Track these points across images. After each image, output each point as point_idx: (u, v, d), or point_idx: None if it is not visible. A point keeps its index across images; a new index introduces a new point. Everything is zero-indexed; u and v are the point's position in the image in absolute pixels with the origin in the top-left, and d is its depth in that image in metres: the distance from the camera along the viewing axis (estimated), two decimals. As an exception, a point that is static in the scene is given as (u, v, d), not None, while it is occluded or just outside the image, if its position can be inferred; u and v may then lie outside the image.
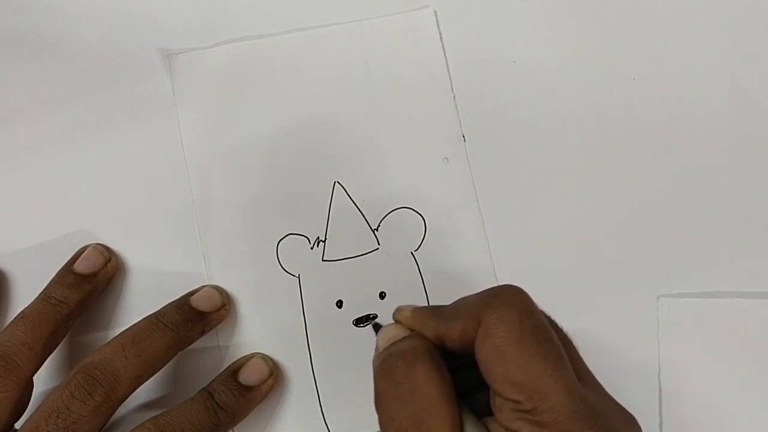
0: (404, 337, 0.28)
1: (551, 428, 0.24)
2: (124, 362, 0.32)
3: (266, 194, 0.38)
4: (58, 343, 0.35)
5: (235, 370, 0.35)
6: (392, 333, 0.28)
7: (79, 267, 0.36)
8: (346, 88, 0.39)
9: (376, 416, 0.36)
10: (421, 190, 0.38)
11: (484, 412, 0.26)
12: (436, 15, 0.39)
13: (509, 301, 0.26)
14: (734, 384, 0.36)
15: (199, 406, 0.33)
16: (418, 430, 0.25)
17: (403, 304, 0.29)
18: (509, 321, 0.25)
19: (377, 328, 0.29)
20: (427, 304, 0.37)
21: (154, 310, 0.35)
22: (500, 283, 0.37)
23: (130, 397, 0.33)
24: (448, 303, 0.28)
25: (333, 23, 0.39)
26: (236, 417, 0.34)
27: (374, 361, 0.28)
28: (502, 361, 0.25)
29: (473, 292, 0.28)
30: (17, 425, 0.32)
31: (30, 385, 0.33)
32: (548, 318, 0.28)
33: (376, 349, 0.28)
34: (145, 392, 0.36)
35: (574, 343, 0.28)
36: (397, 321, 0.29)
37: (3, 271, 0.38)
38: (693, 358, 0.36)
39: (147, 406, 0.37)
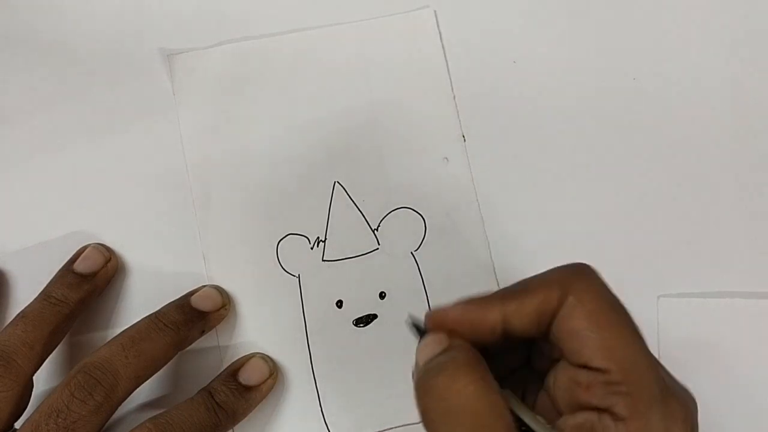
0: (444, 350, 0.26)
1: (646, 402, 0.24)
2: (124, 362, 0.32)
3: (266, 194, 0.38)
4: (58, 343, 0.35)
5: (235, 370, 0.35)
6: (430, 345, 0.26)
7: (79, 267, 0.36)
8: (346, 88, 0.39)
9: (375, 416, 0.37)
10: (421, 190, 0.38)
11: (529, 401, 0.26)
12: (436, 15, 0.39)
13: (593, 274, 0.26)
14: (734, 383, 0.36)
15: (199, 406, 0.33)
16: None
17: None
18: (598, 290, 0.25)
19: (419, 330, 0.27)
20: (427, 305, 0.37)
21: (154, 310, 0.35)
22: (500, 283, 0.37)
23: (130, 397, 0.33)
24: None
25: (333, 23, 0.39)
26: (236, 417, 0.34)
27: (414, 376, 0.26)
28: (596, 327, 0.25)
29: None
30: (17, 425, 0.32)
31: (30, 385, 0.33)
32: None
33: (415, 364, 0.27)
34: (145, 392, 0.36)
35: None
36: (435, 325, 0.27)
37: (3, 271, 0.38)
38: (693, 358, 0.36)
39: (147, 406, 0.37)
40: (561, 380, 0.26)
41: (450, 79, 0.39)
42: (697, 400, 0.27)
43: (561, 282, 0.26)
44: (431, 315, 0.27)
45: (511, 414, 0.25)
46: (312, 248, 0.38)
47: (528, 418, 0.25)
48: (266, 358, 0.36)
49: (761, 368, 0.36)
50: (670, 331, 0.36)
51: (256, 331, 0.37)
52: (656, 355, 0.36)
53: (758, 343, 0.36)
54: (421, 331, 0.27)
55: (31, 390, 0.34)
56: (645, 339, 0.26)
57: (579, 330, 0.25)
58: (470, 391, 0.24)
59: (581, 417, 0.25)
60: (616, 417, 0.24)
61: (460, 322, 0.26)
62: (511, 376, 0.29)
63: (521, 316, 0.26)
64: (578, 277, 0.26)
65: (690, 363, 0.36)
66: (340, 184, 0.38)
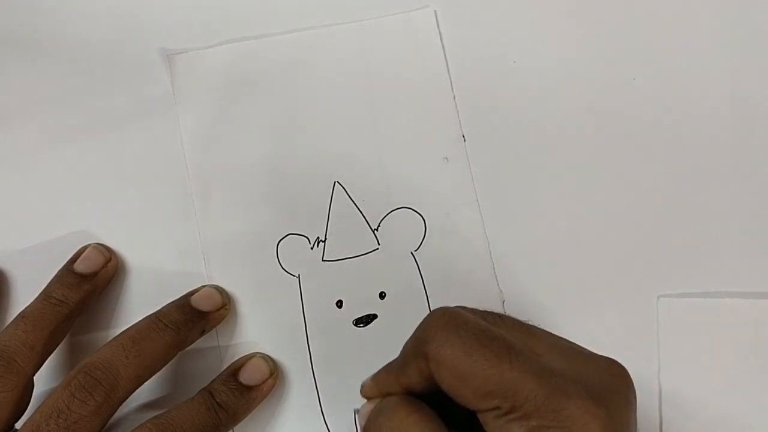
0: (378, 402, 0.28)
1: (536, 415, 0.24)
2: (125, 362, 0.32)
3: (266, 194, 0.38)
4: (59, 343, 0.35)
5: (235, 370, 0.35)
6: (368, 407, 0.29)
7: (79, 267, 0.36)
8: (346, 88, 0.39)
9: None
10: (421, 190, 0.38)
11: None
12: (436, 15, 0.39)
13: (441, 324, 0.26)
14: (734, 384, 0.36)
15: (200, 406, 0.33)
16: None
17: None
18: (450, 342, 0.26)
19: (357, 412, 0.30)
20: (427, 305, 0.37)
21: (154, 310, 0.35)
22: (500, 283, 0.37)
23: (130, 397, 0.33)
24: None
25: (333, 23, 0.39)
26: (237, 417, 0.34)
27: None
28: (462, 380, 0.25)
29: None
30: (18, 425, 0.32)
31: (30, 385, 0.33)
32: (485, 312, 0.28)
33: (360, 429, 0.29)
34: (145, 392, 0.36)
35: (525, 322, 0.28)
36: (366, 397, 0.30)
37: (3, 271, 0.38)
38: (693, 358, 0.36)
39: (147, 406, 0.37)
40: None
41: (450, 79, 0.39)
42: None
43: (419, 349, 0.26)
44: (361, 390, 0.30)
45: None
46: (312, 248, 0.38)
47: None
48: (266, 358, 0.36)
49: (761, 368, 0.36)
50: (670, 331, 0.36)
51: (256, 331, 0.37)
52: (656, 355, 0.36)
53: (758, 343, 0.36)
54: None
55: (32, 390, 0.34)
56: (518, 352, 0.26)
57: (450, 389, 0.26)
58: (410, 420, 0.26)
59: None
60: None
61: (381, 390, 0.29)
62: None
63: (414, 385, 0.27)
64: (428, 339, 0.26)
65: (690, 363, 0.36)
66: (340, 184, 0.38)
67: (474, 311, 0.28)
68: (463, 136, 0.39)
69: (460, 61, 0.39)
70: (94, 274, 0.36)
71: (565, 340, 0.28)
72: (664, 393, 0.36)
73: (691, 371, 0.36)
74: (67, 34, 0.40)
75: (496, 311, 0.29)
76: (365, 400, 0.30)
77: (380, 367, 0.30)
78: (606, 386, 0.25)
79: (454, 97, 0.39)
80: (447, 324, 0.26)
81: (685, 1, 0.39)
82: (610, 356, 0.27)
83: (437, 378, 0.26)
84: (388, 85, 0.39)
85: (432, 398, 0.27)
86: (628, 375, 0.26)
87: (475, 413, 0.26)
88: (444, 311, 0.27)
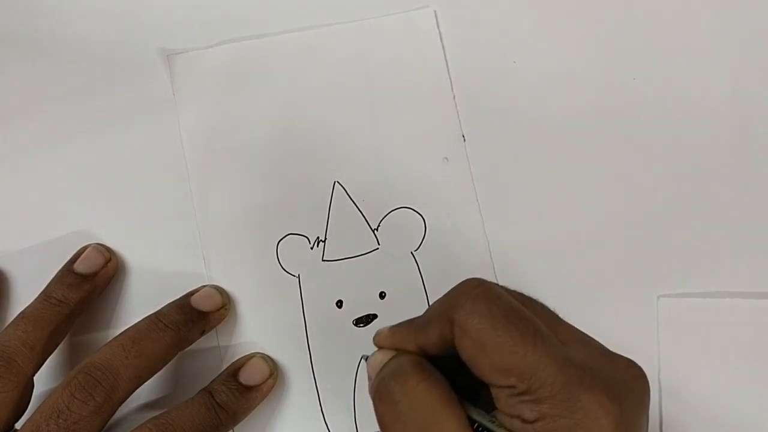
0: (391, 358, 0.28)
1: (550, 402, 0.24)
2: (125, 362, 0.32)
3: (266, 194, 0.38)
4: (59, 343, 0.35)
5: (235, 370, 0.35)
6: (378, 358, 0.28)
7: (79, 267, 0.36)
8: (346, 88, 0.39)
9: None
10: (421, 190, 0.38)
11: (492, 406, 0.26)
12: (436, 15, 0.39)
13: (474, 293, 0.26)
14: (734, 384, 0.36)
15: (200, 406, 0.33)
16: None
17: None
18: (478, 312, 0.25)
19: (366, 359, 0.29)
20: (427, 305, 0.37)
21: (154, 310, 0.35)
22: (500, 283, 0.37)
23: (130, 398, 0.33)
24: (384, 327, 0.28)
25: (333, 23, 0.39)
26: (237, 417, 0.34)
27: (370, 390, 0.28)
28: (484, 352, 0.25)
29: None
30: (18, 425, 0.32)
31: (30, 385, 0.33)
32: (518, 294, 0.28)
33: (369, 378, 0.28)
34: (145, 392, 0.36)
35: (553, 311, 0.28)
36: (378, 346, 0.29)
37: (3, 271, 0.38)
38: (693, 358, 0.36)
39: (147, 406, 0.37)
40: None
41: (450, 79, 0.39)
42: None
43: (446, 313, 0.26)
44: (375, 338, 0.29)
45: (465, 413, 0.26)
46: (312, 248, 0.38)
47: (476, 414, 0.26)
48: (266, 358, 0.36)
49: (761, 368, 0.36)
50: (670, 331, 0.36)
51: (256, 331, 0.37)
52: (656, 355, 0.36)
53: (758, 343, 0.36)
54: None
55: (32, 390, 0.33)
56: (550, 335, 0.26)
57: (470, 358, 0.26)
58: (421, 388, 0.26)
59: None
60: (524, 420, 0.24)
61: (396, 343, 0.28)
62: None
63: (430, 346, 0.27)
64: (458, 305, 0.26)
65: (690, 363, 0.36)
66: (340, 184, 0.38)
67: (507, 290, 0.27)
68: (463, 136, 0.39)
69: (460, 61, 0.39)
70: (94, 274, 0.36)
71: (590, 336, 0.28)
72: (664, 393, 0.36)
73: (691, 371, 0.36)
74: (67, 34, 0.40)
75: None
76: (368, 402, 0.30)
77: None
78: (623, 385, 0.25)
79: (454, 97, 0.39)
80: (479, 294, 0.26)
81: (685, 1, 0.39)
82: None
83: (458, 345, 0.26)
84: (388, 85, 0.39)
85: (443, 363, 0.27)
86: (646, 378, 0.26)
87: (488, 387, 0.26)
88: (479, 281, 0.27)
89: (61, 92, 0.39)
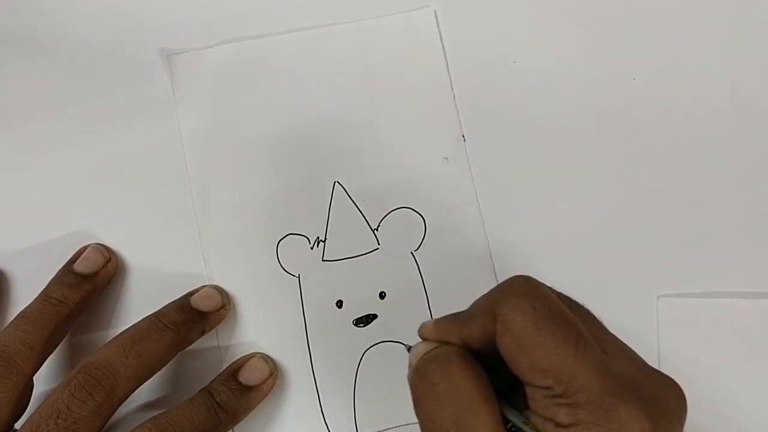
0: (435, 347, 0.28)
1: (586, 408, 0.24)
2: (125, 362, 0.32)
3: (266, 194, 0.38)
4: (59, 343, 0.35)
5: (235, 370, 0.35)
6: (422, 348, 0.28)
7: (79, 267, 0.36)
8: (346, 88, 0.39)
9: (375, 416, 0.37)
10: (421, 190, 0.38)
11: (526, 406, 0.26)
12: (436, 15, 0.39)
13: (519, 290, 0.26)
14: (734, 383, 0.36)
15: (200, 406, 0.33)
16: (459, 429, 0.25)
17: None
18: (522, 310, 0.25)
19: (409, 348, 0.29)
20: (427, 305, 0.37)
21: (154, 310, 0.35)
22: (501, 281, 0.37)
23: (130, 398, 0.33)
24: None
25: (333, 23, 0.39)
26: (237, 417, 0.34)
27: (408, 375, 0.28)
28: (524, 350, 0.25)
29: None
30: (17, 425, 0.32)
31: (30, 385, 0.33)
32: (565, 297, 0.27)
33: (409, 365, 0.28)
34: (145, 392, 0.36)
35: (598, 319, 0.28)
36: (423, 337, 0.29)
37: (3, 271, 0.38)
38: (693, 358, 0.36)
39: (147, 406, 0.37)
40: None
41: (450, 79, 0.39)
42: (697, 400, 0.26)
43: (490, 308, 0.26)
44: (420, 330, 0.29)
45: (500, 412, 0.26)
46: (312, 248, 0.38)
47: (509, 413, 0.26)
48: (266, 358, 0.36)
49: (761, 368, 0.36)
50: (670, 331, 0.36)
51: (256, 331, 0.37)
52: (656, 355, 0.36)
53: (758, 343, 0.36)
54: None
55: (32, 390, 0.33)
56: (592, 343, 0.25)
57: (510, 355, 0.25)
58: (461, 375, 0.26)
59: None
60: (558, 424, 0.24)
61: (440, 336, 0.28)
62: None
63: (473, 340, 0.27)
64: (503, 301, 0.26)
65: (690, 363, 0.36)
66: (340, 184, 0.38)
67: (553, 291, 0.27)
68: (463, 136, 0.39)
69: (460, 61, 0.39)
70: (94, 274, 0.36)
71: (632, 349, 0.28)
72: (664, 393, 0.36)
73: (691, 371, 0.36)
74: (67, 34, 0.40)
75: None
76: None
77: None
78: (661, 402, 0.25)
79: (454, 97, 0.39)
80: (525, 292, 0.26)
81: (685, 1, 0.39)
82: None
83: (499, 341, 0.26)
84: (388, 85, 0.39)
85: (483, 360, 0.27)
86: (685, 398, 0.26)
87: (524, 386, 0.26)
88: (526, 279, 0.27)
89: (61, 92, 0.39)
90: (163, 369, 0.34)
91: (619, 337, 0.28)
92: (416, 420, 0.26)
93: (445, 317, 0.29)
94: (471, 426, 0.25)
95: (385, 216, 0.38)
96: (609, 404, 0.24)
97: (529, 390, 0.25)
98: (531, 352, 0.25)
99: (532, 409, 0.25)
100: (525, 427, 0.25)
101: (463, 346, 0.27)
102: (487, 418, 0.25)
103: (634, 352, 0.27)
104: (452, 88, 0.39)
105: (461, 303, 0.37)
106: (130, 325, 0.34)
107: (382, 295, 0.37)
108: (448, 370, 0.26)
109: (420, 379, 0.26)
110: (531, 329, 0.25)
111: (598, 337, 0.26)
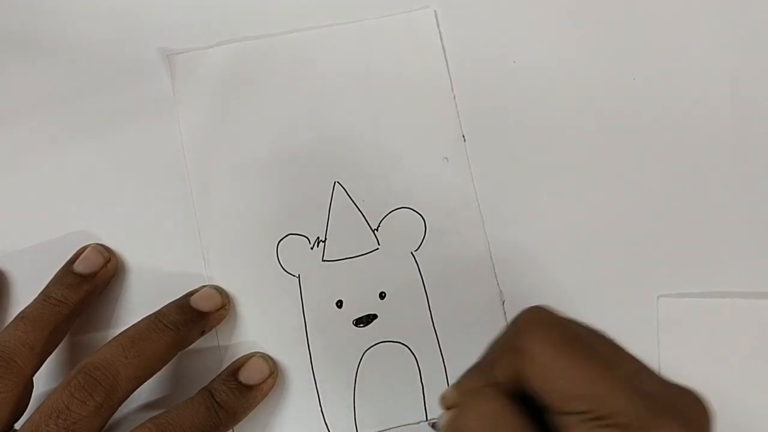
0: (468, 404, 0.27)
1: (631, 428, 0.23)
2: (124, 362, 0.32)
3: (266, 194, 0.38)
4: (58, 343, 0.35)
5: (235, 370, 0.35)
6: (448, 417, 0.27)
7: (79, 267, 0.36)
8: (346, 89, 0.39)
9: (375, 416, 0.37)
10: (421, 190, 0.38)
11: None
12: (436, 15, 0.39)
13: (537, 319, 0.26)
14: (734, 384, 0.36)
15: (200, 406, 0.33)
16: None
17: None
18: (540, 339, 0.25)
19: (433, 425, 0.28)
20: (427, 305, 0.37)
21: (154, 310, 0.35)
22: (500, 283, 0.37)
23: (130, 397, 0.33)
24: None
25: (333, 23, 0.39)
26: (237, 416, 0.34)
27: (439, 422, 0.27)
28: (552, 379, 0.25)
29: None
30: (17, 425, 0.32)
31: (30, 386, 0.33)
32: (578, 323, 0.27)
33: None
34: (145, 392, 0.36)
35: (614, 340, 0.27)
36: (448, 407, 0.27)
37: (3, 271, 0.38)
38: (693, 358, 0.36)
39: (147, 406, 0.37)
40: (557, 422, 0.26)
41: (450, 79, 0.39)
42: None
43: (512, 343, 0.26)
44: (442, 401, 0.28)
45: None
46: (312, 248, 0.38)
47: None
48: (266, 357, 0.36)
49: (761, 368, 0.36)
50: (670, 331, 0.36)
51: (256, 331, 0.37)
52: (656, 355, 0.36)
53: (758, 343, 0.36)
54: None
55: (31, 391, 0.33)
56: (619, 364, 0.25)
57: (541, 386, 0.25)
58: (507, 410, 0.25)
59: None
60: None
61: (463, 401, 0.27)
62: None
63: (506, 382, 0.26)
64: (527, 330, 0.25)
65: (690, 363, 0.36)
66: (340, 184, 0.38)
67: (569, 319, 0.27)
68: (463, 136, 0.38)
69: (460, 61, 0.39)
70: (93, 275, 0.36)
71: (650, 367, 0.27)
72: (664, 393, 0.36)
73: (691, 371, 0.36)
74: (67, 34, 0.40)
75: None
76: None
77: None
78: (694, 417, 0.25)
79: (454, 97, 0.39)
80: (542, 320, 0.26)
81: (685, 1, 0.39)
82: None
83: (526, 372, 0.25)
84: (388, 85, 0.39)
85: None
86: (712, 410, 0.26)
87: (557, 418, 0.25)
88: (539, 308, 0.26)
89: (61, 92, 0.39)
90: (163, 369, 0.34)
91: (620, 338, 0.28)
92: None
93: (462, 377, 0.28)
94: None
95: (385, 216, 0.38)
96: (652, 423, 0.24)
97: (562, 418, 0.25)
98: (558, 379, 0.24)
99: None
100: None
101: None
102: None
103: (652, 369, 0.27)
104: (452, 88, 0.39)
105: (461, 303, 0.37)
106: (130, 325, 0.34)
107: (382, 296, 0.37)
108: (489, 406, 0.25)
109: (465, 414, 0.26)
110: (555, 356, 0.25)
111: (619, 358, 0.26)
